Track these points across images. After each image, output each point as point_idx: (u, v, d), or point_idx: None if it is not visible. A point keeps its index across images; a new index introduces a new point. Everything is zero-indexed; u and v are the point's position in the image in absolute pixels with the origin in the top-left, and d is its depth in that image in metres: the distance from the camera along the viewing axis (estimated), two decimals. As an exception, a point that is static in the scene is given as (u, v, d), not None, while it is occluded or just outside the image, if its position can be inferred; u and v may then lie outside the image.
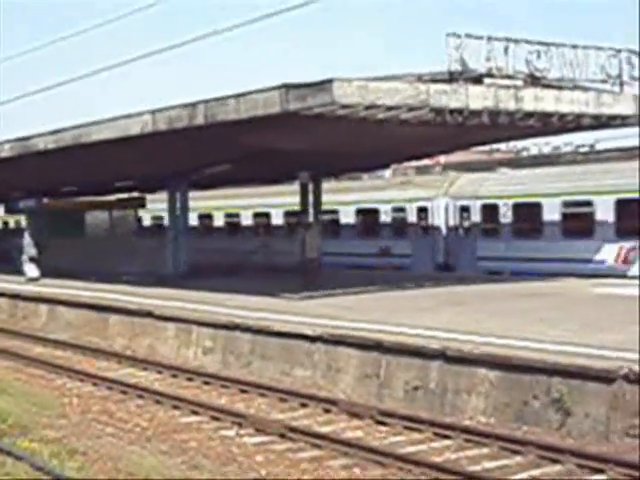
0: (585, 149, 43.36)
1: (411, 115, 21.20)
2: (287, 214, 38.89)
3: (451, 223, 33.94)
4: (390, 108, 20.46)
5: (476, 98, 20.95)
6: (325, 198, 34.95)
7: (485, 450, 12.52)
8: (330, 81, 18.84)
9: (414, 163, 39.28)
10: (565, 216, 29.80)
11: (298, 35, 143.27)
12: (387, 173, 41.00)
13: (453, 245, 33.90)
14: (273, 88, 19.83)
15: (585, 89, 22.67)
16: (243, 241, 40.10)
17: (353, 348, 16.68)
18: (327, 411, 15.09)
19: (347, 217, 37.18)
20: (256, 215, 41.88)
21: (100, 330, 24.03)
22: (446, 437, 13.19)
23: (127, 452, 12.59)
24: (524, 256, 29.97)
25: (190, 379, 18.26)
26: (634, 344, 14.21)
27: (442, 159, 44.23)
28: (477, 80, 21.09)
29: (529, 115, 22.37)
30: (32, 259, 34.01)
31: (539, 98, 21.84)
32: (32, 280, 33.10)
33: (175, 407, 15.68)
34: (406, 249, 34.13)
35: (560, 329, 16.61)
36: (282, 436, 13.47)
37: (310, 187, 34.06)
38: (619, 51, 22.24)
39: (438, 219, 34.17)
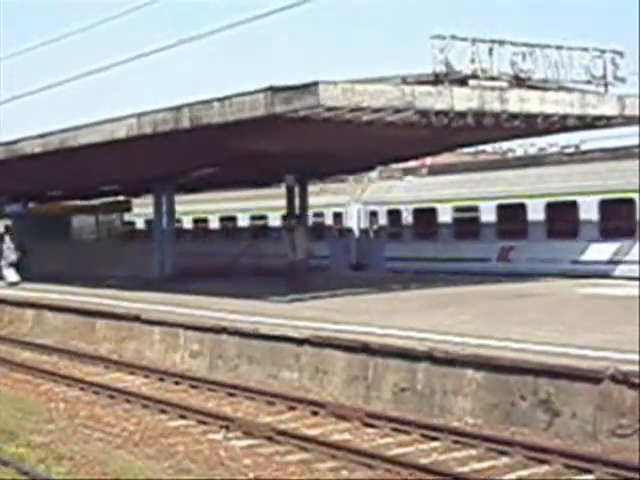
0: (571, 150, 43.47)
1: (397, 117, 21.22)
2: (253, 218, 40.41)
3: (362, 226, 37.20)
4: (376, 110, 20.47)
5: (461, 100, 20.97)
6: (255, 204, 38.96)
7: (473, 451, 12.52)
8: (315, 84, 18.84)
9: (400, 165, 39.31)
10: (456, 220, 33.14)
11: (285, 37, 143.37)
12: (373, 175, 40.99)
13: (365, 247, 36.97)
14: (258, 91, 19.81)
15: (570, 90, 22.73)
16: (230, 244, 40.08)
17: (340, 350, 16.67)
18: (315, 414, 15.08)
19: (275, 221, 39.76)
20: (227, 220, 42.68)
21: (86, 335, 23.96)
22: (434, 439, 13.19)
23: (114, 457, 12.54)
24: (423, 256, 32.78)
25: (177, 383, 18.22)
26: (620, 344, 14.27)
27: (428, 161, 44.27)
28: (462, 82, 21.12)
29: (514, 116, 22.42)
30: (12, 264, 34.15)
31: (524, 99, 21.89)
32: (12, 285, 33.17)
33: (162, 411, 15.64)
34: (325, 250, 36.25)
35: (546, 330, 16.64)
36: (270, 439, 13.44)
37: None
38: (603, 52, 22.30)
39: (351, 223, 37.72)
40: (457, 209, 33.14)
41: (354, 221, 37.57)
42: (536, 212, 30.53)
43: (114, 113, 24.78)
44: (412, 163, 40.38)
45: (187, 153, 26.79)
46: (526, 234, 30.69)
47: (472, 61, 20.97)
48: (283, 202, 33.90)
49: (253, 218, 41.99)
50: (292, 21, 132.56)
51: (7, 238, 35.96)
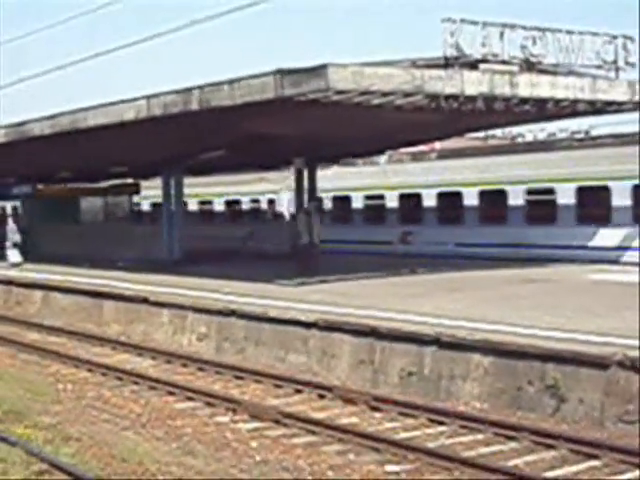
0: (580, 135, 43.31)
1: (406, 101, 21.15)
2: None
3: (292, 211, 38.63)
4: (385, 94, 20.41)
5: (471, 84, 20.89)
6: (201, 190, 41.73)
7: (480, 436, 12.53)
8: (325, 66, 18.78)
9: (409, 149, 39.23)
10: (368, 207, 36.78)
11: (289, 21, 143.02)
12: (382, 159, 40.93)
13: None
14: (268, 74, 19.76)
15: (580, 75, 22.63)
16: (237, 227, 40.15)
17: (348, 334, 16.68)
18: (322, 397, 15.11)
19: (220, 206, 44.38)
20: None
21: (95, 316, 24.01)
22: (441, 423, 13.21)
23: (122, 438, 12.57)
24: (339, 239, 34.57)
25: (185, 365, 18.26)
26: (628, 330, 14.25)
27: (437, 145, 44.17)
28: (472, 66, 21.03)
29: (524, 101, 22.33)
30: (15, 245, 34.86)
31: (534, 84, 21.80)
32: (15, 265, 33.63)
33: (170, 393, 15.69)
34: (263, 232, 37.34)
35: (555, 315, 16.62)
36: (277, 422, 13.47)
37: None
38: (615, 37, 22.19)
39: (282, 208, 40.33)
40: (367, 197, 36.96)
41: (284, 206, 40.17)
42: (429, 199, 34.49)
43: (123, 96, 24.75)
44: (421, 147, 40.30)
45: (196, 135, 26.75)
46: (421, 219, 34.45)
47: (483, 45, 20.88)
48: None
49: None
50: (300, 4, 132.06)
51: (10, 220, 36.32)
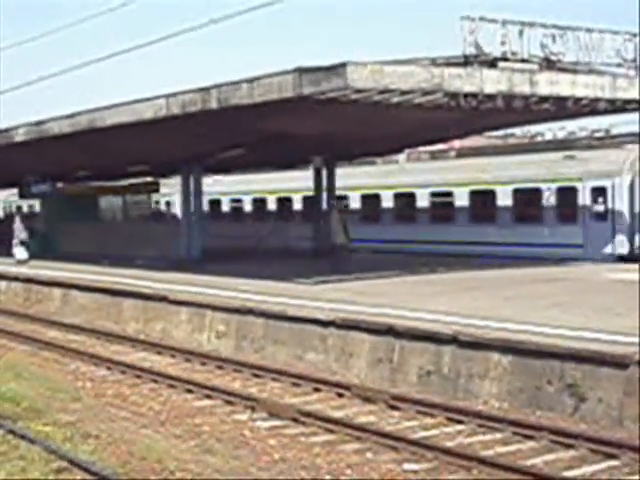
0: (600, 134, 43.15)
1: (425, 99, 21.11)
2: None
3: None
4: (404, 92, 20.38)
5: (490, 82, 20.85)
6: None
7: (498, 435, 12.50)
8: (344, 65, 18.76)
9: (428, 147, 39.22)
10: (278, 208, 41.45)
11: (307, 20, 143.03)
12: (401, 158, 40.90)
13: None
14: (286, 72, 19.77)
15: (600, 73, 22.54)
16: (257, 226, 40.23)
17: (366, 333, 16.67)
18: (340, 395, 15.10)
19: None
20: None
21: (114, 314, 24.09)
22: (459, 422, 13.18)
23: (140, 436, 12.61)
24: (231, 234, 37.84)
25: (203, 363, 18.29)
26: (648, 329, 14.17)
27: (456, 143, 44.12)
28: (492, 64, 20.99)
29: (544, 99, 22.27)
30: (22, 242, 35.54)
31: (554, 82, 21.73)
32: (21, 262, 34.24)
33: (188, 391, 15.72)
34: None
35: (574, 314, 16.58)
36: (295, 420, 13.48)
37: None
38: (635, 35, 22.11)
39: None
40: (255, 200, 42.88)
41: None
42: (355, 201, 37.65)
43: (141, 96, 24.84)
44: (440, 146, 40.28)
45: (215, 134, 26.80)
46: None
47: (502, 43, 20.85)
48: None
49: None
50: (318, 3, 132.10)
51: (17, 218, 37.27)
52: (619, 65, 22.21)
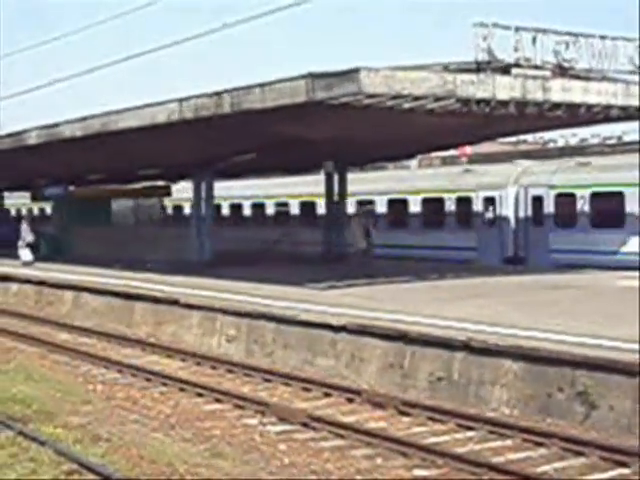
0: (612, 141, 43.07)
1: (438, 105, 21.10)
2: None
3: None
4: (417, 98, 20.36)
5: (503, 88, 20.83)
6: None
7: (509, 442, 12.48)
8: (357, 70, 18.77)
9: (440, 153, 39.21)
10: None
11: (320, 25, 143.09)
12: (413, 164, 40.91)
13: None
14: (299, 77, 19.79)
15: (613, 80, 22.50)
16: (267, 230, 40.27)
17: (377, 338, 16.66)
18: (350, 401, 15.09)
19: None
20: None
21: (125, 317, 24.12)
22: (469, 428, 13.16)
23: (150, 439, 12.61)
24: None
25: (214, 367, 18.30)
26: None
27: (468, 150, 44.09)
28: (505, 70, 20.97)
29: (556, 106, 22.23)
30: (28, 245, 36.12)
31: (567, 89, 21.70)
32: (26, 264, 34.74)
33: (199, 395, 15.73)
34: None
35: (584, 321, 16.53)
36: (305, 425, 13.47)
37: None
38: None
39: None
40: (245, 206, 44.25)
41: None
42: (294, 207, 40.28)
43: (154, 99, 24.88)
44: (452, 152, 40.26)
45: (227, 139, 26.83)
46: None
47: (515, 50, 20.83)
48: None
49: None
50: (329, 9, 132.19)
51: (23, 221, 37.83)
52: (632, 72, 22.16)
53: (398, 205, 36.02)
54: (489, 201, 33.06)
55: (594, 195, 29.92)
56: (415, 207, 35.41)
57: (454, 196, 34.13)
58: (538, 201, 31.50)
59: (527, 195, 31.99)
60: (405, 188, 35.91)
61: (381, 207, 36.73)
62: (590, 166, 31.20)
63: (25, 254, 35.71)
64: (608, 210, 29.43)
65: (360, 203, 36.52)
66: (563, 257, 29.64)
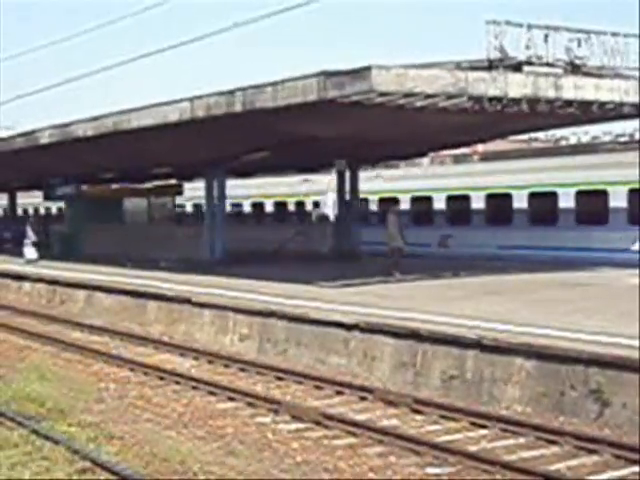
0: (625, 138, 42.95)
1: (449, 103, 21.06)
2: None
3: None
4: (428, 96, 20.32)
5: (515, 86, 20.78)
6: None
7: (522, 440, 12.47)
8: (368, 68, 18.75)
9: (452, 151, 39.11)
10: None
11: (331, 23, 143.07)
12: (425, 161, 40.82)
13: None
14: (311, 75, 19.80)
15: (626, 77, 22.43)
16: (281, 229, 40.31)
17: (389, 336, 16.66)
18: (363, 399, 15.10)
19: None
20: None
21: (137, 316, 24.17)
22: (482, 426, 13.15)
23: (163, 437, 12.65)
24: None
25: (226, 365, 18.33)
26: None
27: (480, 148, 43.99)
28: (516, 68, 20.92)
29: (568, 103, 22.17)
30: (34, 243, 37.35)
31: (579, 86, 21.63)
32: (30, 262, 35.56)
33: (211, 393, 15.75)
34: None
35: (596, 319, 16.51)
36: (318, 423, 13.48)
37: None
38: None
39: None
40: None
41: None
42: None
43: (165, 99, 24.93)
44: (463, 150, 40.15)
45: (239, 137, 26.85)
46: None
47: (527, 47, 20.78)
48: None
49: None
50: (340, 8, 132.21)
51: (28, 221, 39.39)
52: (645, 69, 22.09)
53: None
54: (316, 204, 41.83)
55: (380, 200, 38.16)
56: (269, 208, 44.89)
57: (293, 200, 44.06)
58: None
59: None
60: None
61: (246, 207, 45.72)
62: (380, 178, 39.33)
63: (30, 252, 36.46)
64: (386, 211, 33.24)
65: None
66: (369, 248, 32.93)
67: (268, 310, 19.69)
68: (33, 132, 32.15)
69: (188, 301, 22.39)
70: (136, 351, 20.40)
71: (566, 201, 31.41)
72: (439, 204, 36.58)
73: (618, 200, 29.81)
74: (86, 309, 26.77)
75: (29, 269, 32.56)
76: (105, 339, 22.16)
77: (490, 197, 34.54)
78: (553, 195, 31.88)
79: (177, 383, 16.68)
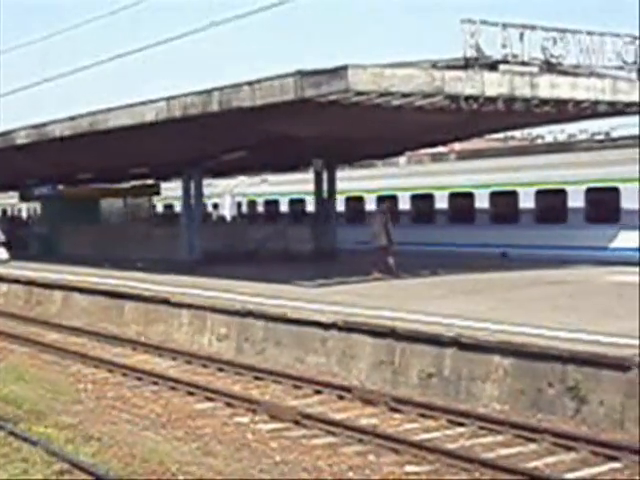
0: (600, 137, 43.19)
1: (426, 102, 21.12)
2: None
3: None
4: (405, 95, 20.38)
5: (491, 85, 20.84)
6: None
7: (500, 437, 12.51)
8: (345, 68, 18.76)
9: (429, 150, 39.21)
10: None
11: (308, 23, 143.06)
12: (402, 160, 40.90)
13: None
14: (288, 75, 19.79)
15: (601, 76, 22.54)
16: (257, 228, 40.24)
17: (367, 335, 16.68)
18: (341, 398, 15.11)
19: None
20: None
21: (115, 317, 24.09)
22: (460, 424, 13.19)
23: (142, 438, 12.62)
24: None
25: (205, 366, 18.30)
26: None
27: (457, 146, 44.13)
28: (492, 67, 20.98)
29: (544, 102, 22.26)
30: (3, 244, 38.05)
31: (555, 85, 21.72)
32: (2, 262, 35.74)
33: (190, 393, 15.72)
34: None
35: (574, 317, 16.58)
36: (296, 423, 13.48)
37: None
38: (636, 38, 22.09)
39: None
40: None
41: None
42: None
43: (143, 98, 24.86)
44: (440, 148, 40.26)
45: (216, 137, 26.81)
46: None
47: (503, 46, 20.84)
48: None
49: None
50: (318, 6, 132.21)
51: None
52: (620, 68, 22.20)
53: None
54: (215, 206, 47.33)
55: (267, 202, 43.95)
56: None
57: (211, 201, 46.43)
58: (239, 205, 46.70)
59: (233, 201, 46.87)
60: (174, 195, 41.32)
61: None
62: (266, 182, 44.17)
63: (0, 252, 36.79)
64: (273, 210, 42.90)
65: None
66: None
67: (246, 310, 19.67)
68: (9, 132, 31.97)
69: (166, 301, 22.34)
70: (114, 352, 20.34)
71: (526, 200, 31.99)
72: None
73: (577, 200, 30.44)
74: (63, 310, 26.64)
75: (2, 270, 32.37)
76: (83, 340, 22.07)
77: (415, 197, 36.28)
78: (513, 194, 32.44)
79: (155, 384, 16.64)
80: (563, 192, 30.47)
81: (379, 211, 26.53)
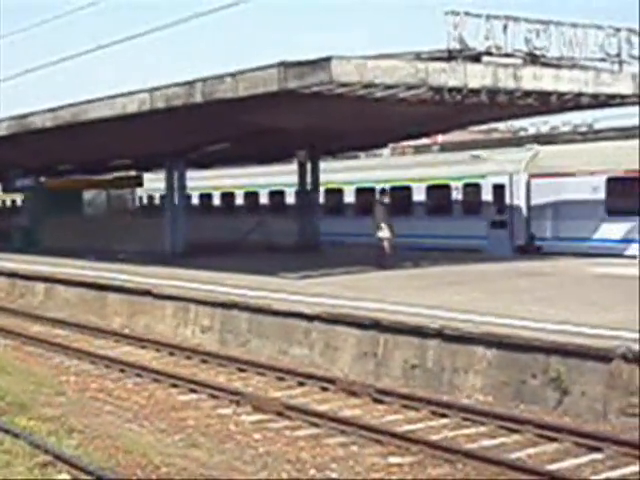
0: (583, 129, 43.31)
1: (409, 94, 21.14)
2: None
3: None
4: (388, 87, 20.39)
5: (475, 77, 20.86)
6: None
7: (483, 428, 12.54)
8: (328, 59, 18.75)
9: (412, 142, 39.26)
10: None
11: (292, 15, 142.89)
12: (385, 152, 40.94)
13: None
14: (271, 66, 19.75)
15: (584, 68, 22.60)
16: (240, 220, 40.17)
17: (351, 327, 16.69)
18: (325, 389, 15.12)
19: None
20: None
21: (98, 309, 24.02)
22: (443, 415, 13.21)
23: (125, 430, 12.59)
24: None
25: (188, 357, 18.28)
26: (632, 323, 14.24)
27: (440, 138, 44.18)
28: (476, 58, 21.01)
29: (528, 94, 22.31)
30: None
31: (538, 77, 21.76)
32: None
33: (173, 385, 15.70)
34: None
35: (558, 308, 16.63)
36: (280, 414, 13.48)
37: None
38: (618, 30, 22.14)
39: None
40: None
41: None
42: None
43: (125, 90, 24.78)
44: (424, 140, 40.30)
45: (199, 128, 26.75)
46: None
47: (486, 38, 20.86)
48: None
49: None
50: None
51: None
52: (603, 60, 22.26)
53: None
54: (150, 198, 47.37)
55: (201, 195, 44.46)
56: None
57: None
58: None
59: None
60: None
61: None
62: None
63: None
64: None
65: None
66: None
67: (230, 301, 19.65)
68: (-10, 124, 31.80)
69: (149, 293, 22.30)
70: (97, 344, 20.29)
71: (419, 195, 35.13)
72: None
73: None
74: (46, 302, 26.55)
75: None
76: (66, 332, 21.99)
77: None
78: (408, 189, 35.20)
79: (138, 375, 16.60)
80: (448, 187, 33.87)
81: (380, 203, 26.28)
